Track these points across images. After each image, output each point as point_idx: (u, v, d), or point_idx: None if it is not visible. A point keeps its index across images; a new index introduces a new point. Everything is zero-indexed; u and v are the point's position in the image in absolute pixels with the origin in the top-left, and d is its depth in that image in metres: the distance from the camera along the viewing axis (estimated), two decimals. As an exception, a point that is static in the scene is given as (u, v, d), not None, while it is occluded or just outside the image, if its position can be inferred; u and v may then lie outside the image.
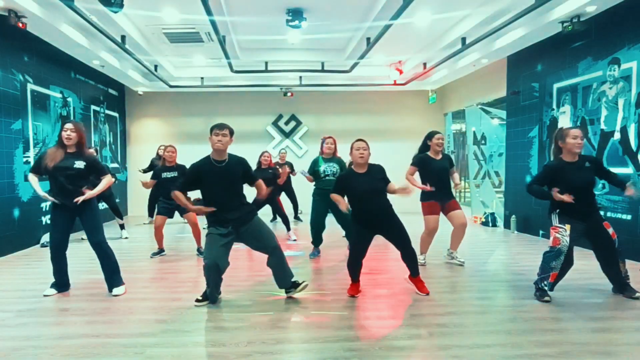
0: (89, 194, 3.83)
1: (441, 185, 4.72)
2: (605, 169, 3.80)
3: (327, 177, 5.25)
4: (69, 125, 3.85)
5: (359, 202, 3.72)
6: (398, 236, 3.81)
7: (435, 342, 2.88)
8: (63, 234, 3.92)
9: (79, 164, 3.81)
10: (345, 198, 3.79)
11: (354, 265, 3.88)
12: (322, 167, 5.29)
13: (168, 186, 5.38)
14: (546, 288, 3.69)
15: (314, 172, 5.36)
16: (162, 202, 5.56)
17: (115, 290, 3.94)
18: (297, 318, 3.37)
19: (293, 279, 3.82)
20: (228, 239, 3.57)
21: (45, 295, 3.88)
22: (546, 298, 3.65)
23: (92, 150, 6.49)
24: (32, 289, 4.09)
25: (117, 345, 2.84)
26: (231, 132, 3.63)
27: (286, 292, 3.83)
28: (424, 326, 3.16)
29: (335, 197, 3.74)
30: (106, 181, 3.99)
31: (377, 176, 3.75)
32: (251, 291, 4.05)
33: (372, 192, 3.69)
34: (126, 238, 6.95)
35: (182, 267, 5.06)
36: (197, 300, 3.70)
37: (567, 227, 3.59)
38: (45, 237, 6.46)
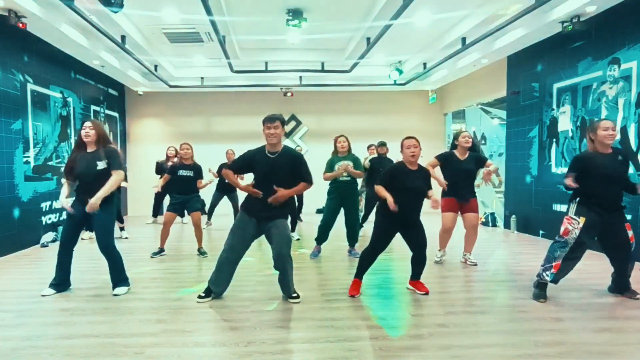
0: (94, 199, 3.69)
1: (462, 185, 4.75)
2: (627, 169, 3.69)
3: (342, 176, 5.25)
4: (87, 123, 3.85)
5: (401, 196, 3.66)
6: (418, 239, 3.84)
7: (435, 342, 2.88)
8: (75, 229, 3.94)
9: (101, 165, 3.78)
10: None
11: (369, 258, 3.86)
12: (337, 166, 5.28)
13: (182, 184, 5.40)
14: (548, 279, 3.61)
15: (330, 170, 5.32)
16: (174, 199, 5.55)
17: (117, 290, 3.95)
18: (297, 318, 3.37)
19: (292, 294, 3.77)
20: (251, 231, 3.62)
21: (42, 296, 3.87)
22: (541, 300, 3.64)
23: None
24: (32, 289, 4.08)
25: (117, 345, 2.84)
26: (282, 123, 3.63)
27: (284, 298, 3.82)
28: (424, 326, 3.16)
29: (381, 191, 3.70)
30: (114, 179, 3.81)
31: (421, 177, 3.78)
32: (251, 291, 4.05)
33: (417, 191, 3.72)
34: (126, 238, 6.95)
35: (183, 267, 5.06)
36: (200, 297, 3.73)
37: (582, 220, 3.51)
38: (45, 237, 6.46)
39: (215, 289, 3.76)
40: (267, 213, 3.59)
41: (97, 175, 3.76)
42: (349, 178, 5.30)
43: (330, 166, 5.35)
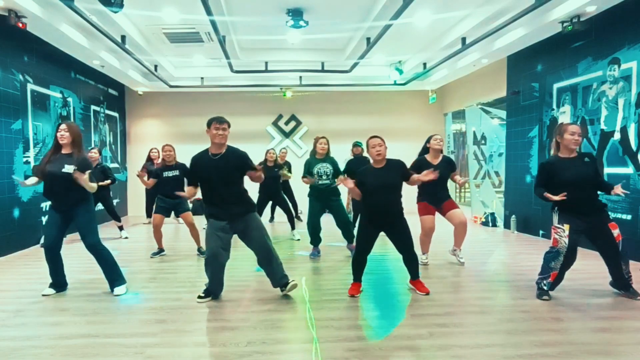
0: (80, 176, 3.66)
1: (436, 189, 4.75)
2: (597, 169, 3.70)
3: (320, 178, 5.25)
4: (63, 126, 3.84)
5: (370, 196, 3.74)
6: (402, 239, 3.84)
7: (435, 342, 2.88)
8: (56, 235, 3.89)
9: (68, 169, 3.71)
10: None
11: (359, 262, 3.90)
12: (316, 168, 5.28)
13: (169, 185, 5.39)
14: (546, 288, 3.71)
15: (308, 173, 5.33)
16: (160, 201, 5.55)
17: (117, 290, 3.94)
18: (297, 318, 3.37)
19: (286, 280, 3.80)
20: (226, 234, 3.61)
21: (43, 295, 3.88)
22: (545, 297, 3.68)
23: (92, 152, 6.49)
24: (32, 289, 4.08)
25: (117, 345, 2.84)
26: (229, 125, 3.68)
27: (281, 291, 3.84)
28: (424, 326, 3.16)
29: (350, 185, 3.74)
30: (91, 184, 3.81)
31: (393, 171, 3.78)
32: (251, 291, 4.04)
33: (385, 187, 3.71)
34: (126, 238, 6.95)
35: (182, 267, 5.06)
36: (200, 297, 3.74)
37: (566, 227, 3.57)
38: (45, 237, 6.46)
39: (213, 290, 3.77)
40: (234, 210, 3.59)
41: (61, 177, 3.71)
42: (327, 181, 5.28)
43: (307, 168, 5.34)
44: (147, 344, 2.87)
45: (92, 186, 3.85)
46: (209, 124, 3.62)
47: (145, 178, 5.61)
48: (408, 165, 4.85)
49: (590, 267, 4.49)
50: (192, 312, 3.49)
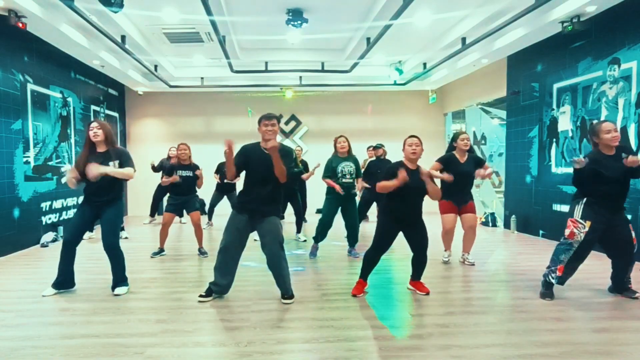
0: (101, 169, 3.69)
1: (460, 187, 4.71)
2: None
3: (344, 177, 5.23)
4: (94, 124, 3.85)
5: (400, 196, 3.68)
6: (419, 240, 3.84)
7: (435, 342, 2.88)
8: (80, 230, 3.94)
9: (114, 164, 3.79)
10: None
11: (372, 259, 3.86)
12: (339, 167, 5.25)
13: (181, 184, 5.40)
14: (554, 282, 3.65)
15: (331, 172, 5.28)
16: (173, 200, 5.55)
17: (117, 290, 3.95)
18: (297, 318, 3.37)
19: (289, 294, 3.75)
20: (244, 229, 3.65)
21: (43, 296, 3.88)
22: (547, 298, 3.67)
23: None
24: (32, 289, 4.08)
25: (117, 345, 2.84)
26: (278, 121, 3.72)
27: (282, 297, 3.80)
28: (424, 326, 3.16)
29: (384, 184, 3.65)
30: (125, 171, 3.83)
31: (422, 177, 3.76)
32: (251, 291, 4.04)
33: (417, 190, 3.70)
34: (126, 238, 6.95)
35: (183, 267, 5.06)
36: (201, 296, 3.75)
37: (588, 224, 3.50)
38: (45, 237, 6.46)
39: (221, 282, 3.74)
40: (259, 208, 3.61)
41: (104, 176, 3.75)
42: (351, 180, 5.27)
43: (329, 167, 5.33)
44: (147, 344, 2.87)
45: (125, 173, 3.84)
46: (259, 122, 3.68)
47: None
48: (433, 160, 4.86)
49: (590, 267, 4.48)
50: (192, 312, 3.49)
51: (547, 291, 3.72)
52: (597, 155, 3.59)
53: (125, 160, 3.90)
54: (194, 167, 5.53)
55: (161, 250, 5.65)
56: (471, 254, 5.07)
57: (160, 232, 5.57)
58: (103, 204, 3.87)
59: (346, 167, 5.25)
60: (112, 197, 3.90)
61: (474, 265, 4.95)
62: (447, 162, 4.76)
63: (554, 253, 3.68)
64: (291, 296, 3.73)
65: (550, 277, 3.68)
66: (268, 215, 3.64)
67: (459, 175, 4.66)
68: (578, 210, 3.59)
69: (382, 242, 3.83)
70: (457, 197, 4.76)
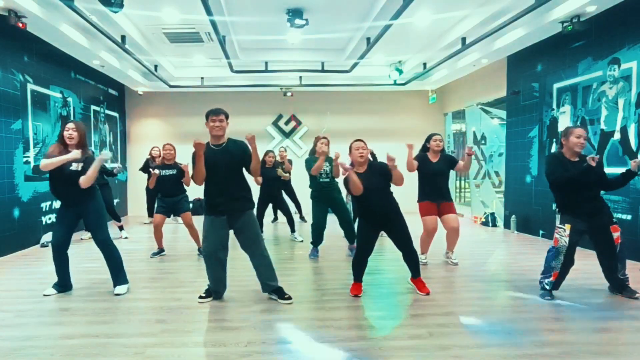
0: (83, 178, 3.71)
1: (436, 187, 4.79)
2: (601, 170, 3.69)
3: (321, 178, 5.26)
4: (70, 125, 3.84)
5: (363, 199, 3.74)
6: (400, 236, 3.85)
7: (435, 342, 2.88)
8: (65, 232, 3.91)
9: (75, 166, 3.75)
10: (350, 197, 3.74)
11: (360, 264, 3.90)
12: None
13: (167, 184, 5.40)
14: (548, 287, 3.72)
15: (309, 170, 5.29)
16: (160, 201, 5.57)
17: (117, 289, 3.95)
18: (297, 318, 3.37)
19: (278, 286, 3.76)
20: (223, 229, 3.62)
21: (45, 295, 3.88)
22: (547, 297, 3.70)
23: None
24: (32, 289, 4.08)
25: (117, 345, 2.84)
26: (226, 116, 3.69)
27: (269, 294, 3.80)
28: (424, 326, 3.16)
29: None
30: (97, 161, 3.77)
31: (377, 174, 3.78)
32: (251, 291, 4.04)
33: (374, 190, 3.71)
34: (126, 238, 6.95)
35: (182, 267, 5.06)
36: (201, 297, 3.74)
37: (567, 227, 3.61)
38: (45, 237, 6.45)
39: (215, 288, 3.77)
40: (233, 205, 3.58)
41: (69, 175, 3.73)
42: (327, 179, 5.29)
43: (310, 166, 5.29)
44: (147, 344, 2.87)
45: (90, 175, 3.76)
46: (206, 117, 3.67)
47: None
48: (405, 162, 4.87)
49: (590, 267, 4.49)
50: (192, 312, 3.49)
51: (546, 292, 3.75)
52: (563, 157, 3.68)
53: (88, 167, 3.79)
54: (177, 167, 5.49)
55: (161, 250, 5.65)
56: (471, 254, 5.07)
57: (154, 234, 5.56)
58: (77, 203, 3.82)
59: (323, 167, 5.24)
60: (82, 196, 3.80)
61: (457, 265, 4.94)
62: (420, 161, 4.87)
63: (545, 261, 3.76)
64: (281, 292, 3.72)
65: (545, 284, 3.76)
66: (243, 210, 3.62)
67: (432, 174, 4.81)
68: (558, 218, 3.70)
69: (363, 246, 3.86)
70: (434, 195, 4.80)
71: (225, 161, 3.55)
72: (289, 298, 3.70)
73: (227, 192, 3.57)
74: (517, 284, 4.23)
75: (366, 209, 3.80)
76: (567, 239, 3.58)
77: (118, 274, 4.01)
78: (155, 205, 5.68)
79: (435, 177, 4.80)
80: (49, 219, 6.83)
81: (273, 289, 3.76)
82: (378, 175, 3.78)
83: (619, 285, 3.77)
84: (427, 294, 3.86)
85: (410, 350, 2.77)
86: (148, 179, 5.86)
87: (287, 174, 7.02)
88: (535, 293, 3.83)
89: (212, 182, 3.60)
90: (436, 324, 3.20)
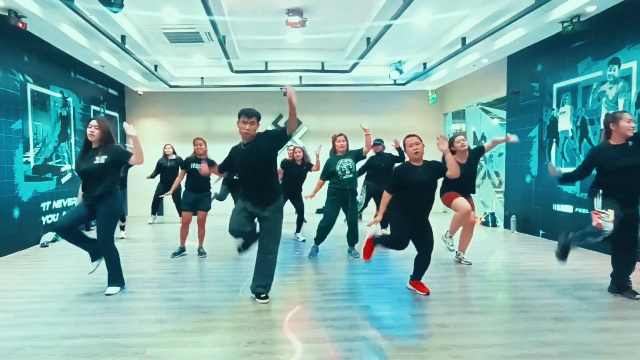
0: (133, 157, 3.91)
1: (465, 184, 4.74)
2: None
3: (345, 175, 5.26)
4: (93, 122, 3.86)
5: (410, 192, 3.70)
6: (426, 239, 3.84)
7: (435, 342, 2.88)
8: (71, 218, 3.92)
9: (100, 159, 3.79)
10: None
11: (394, 247, 3.83)
12: (338, 165, 5.28)
13: (195, 177, 5.26)
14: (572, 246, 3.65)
15: (330, 173, 5.31)
16: (185, 198, 5.51)
17: (108, 290, 3.95)
18: (297, 318, 3.37)
19: (260, 291, 3.75)
20: (250, 213, 3.70)
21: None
22: (560, 260, 3.69)
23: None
24: (32, 289, 4.08)
25: (117, 345, 2.84)
26: (258, 118, 3.70)
27: (252, 291, 3.80)
28: (424, 326, 3.16)
29: (383, 203, 3.84)
30: (133, 139, 3.93)
31: (432, 171, 3.77)
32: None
33: (424, 185, 3.70)
34: (122, 238, 6.88)
35: (182, 267, 5.06)
36: (239, 250, 3.89)
37: (611, 212, 3.48)
38: (45, 237, 6.45)
39: (244, 235, 3.80)
40: (261, 199, 3.66)
41: (94, 170, 3.75)
42: (351, 175, 5.29)
43: (327, 170, 5.34)
44: (147, 344, 2.87)
45: (138, 152, 3.95)
46: (238, 116, 3.71)
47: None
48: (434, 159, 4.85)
49: (590, 267, 4.49)
50: (192, 312, 3.49)
51: (563, 253, 3.68)
52: (604, 145, 3.61)
53: (117, 152, 3.91)
54: (209, 161, 5.40)
55: (182, 249, 5.58)
56: (471, 254, 5.06)
57: (181, 231, 5.52)
58: (95, 200, 3.82)
59: (344, 163, 5.28)
60: (103, 192, 3.81)
61: (471, 264, 4.93)
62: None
63: (581, 233, 3.62)
64: (266, 296, 3.72)
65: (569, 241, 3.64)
66: (271, 202, 3.67)
67: (463, 176, 4.66)
68: (598, 202, 3.57)
69: (403, 233, 3.74)
70: (459, 190, 4.72)
71: (252, 160, 3.61)
72: (265, 297, 3.71)
73: (255, 188, 3.67)
74: (517, 284, 4.22)
75: (410, 201, 3.72)
76: (611, 225, 3.46)
77: (112, 275, 4.01)
78: (181, 204, 5.64)
79: (464, 174, 4.54)
80: (49, 219, 6.83)
81: (254, 290, 3.76)
82: (432, 172, 3.76)
83: (620, 285, 3.75)
84: (427, 293, 3.86)
85: (411, 350, 2.77)
86: (161, 178, 5.77)
87: (316, 164, 6.78)
88: (535, 293, 3.83)
89: (244, 179, 3.76)
90: (436, 324, 3.20)
